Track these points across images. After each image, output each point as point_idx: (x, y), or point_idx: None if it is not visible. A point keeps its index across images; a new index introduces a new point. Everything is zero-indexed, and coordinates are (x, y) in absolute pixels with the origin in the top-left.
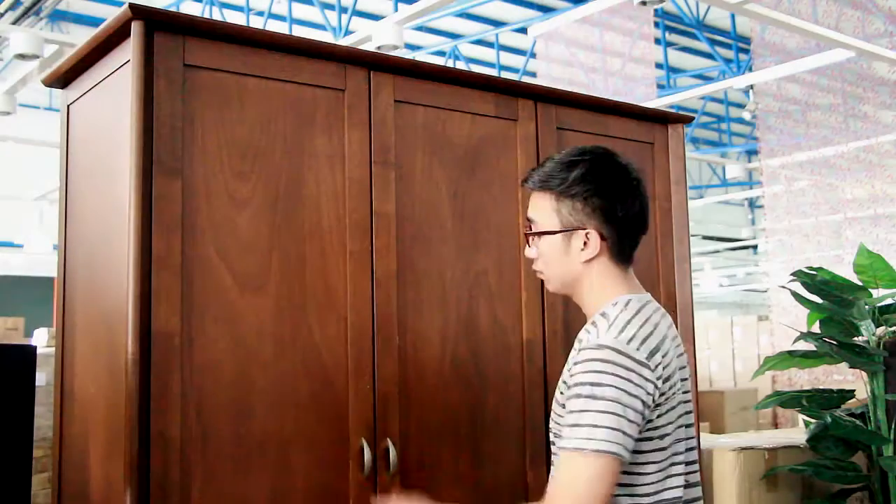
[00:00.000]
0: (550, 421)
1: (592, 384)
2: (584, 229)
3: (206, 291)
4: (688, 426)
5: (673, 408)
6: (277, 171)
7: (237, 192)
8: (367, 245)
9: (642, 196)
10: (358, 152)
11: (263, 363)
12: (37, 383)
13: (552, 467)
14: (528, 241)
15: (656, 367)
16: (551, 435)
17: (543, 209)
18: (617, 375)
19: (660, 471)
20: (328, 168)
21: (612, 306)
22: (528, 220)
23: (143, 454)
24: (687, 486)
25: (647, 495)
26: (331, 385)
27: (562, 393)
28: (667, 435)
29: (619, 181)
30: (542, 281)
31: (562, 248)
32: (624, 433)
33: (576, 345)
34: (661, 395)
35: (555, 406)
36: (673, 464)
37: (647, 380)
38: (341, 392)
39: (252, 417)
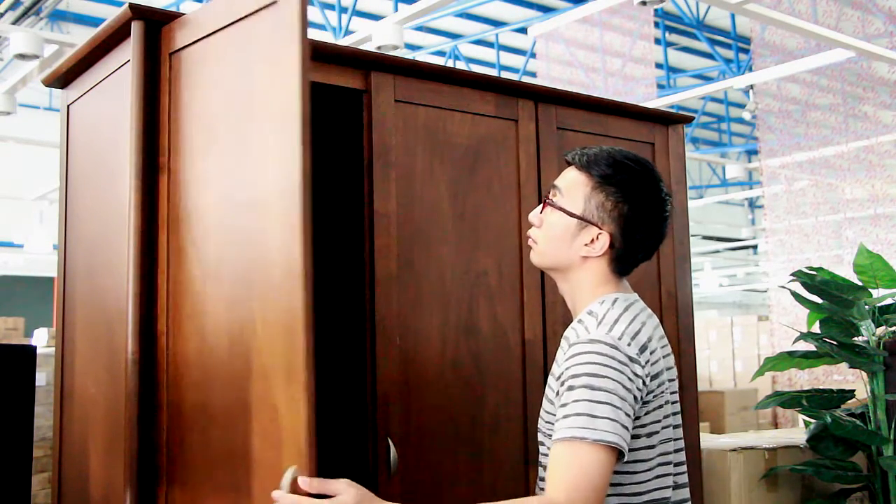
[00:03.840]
0: (539, 420)
1: (589, 375)
2: (600, 229)
3: None
4: (676, 426)
5: (661, 406)
6: None
7: None
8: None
9: (662, 232)
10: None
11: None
12: (37, 383)
13: (540, 467)
14: (542, 206)
15: (645, 363)
16: (540, 435)
17: (575, 188)
18: (614, 368)
19: (648, 470)
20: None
21: (599, 304)
22: (554, 187)
23: (143, 454)
24: (676, 487)
25: (637, 494)
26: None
27: (552, 389)
28: (655, 433)
29: (653, 207)
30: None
31: (570, 233)
32: (622, 425)
33: (563, 344)
34: (650, 392)
35: (544, 403)
36: (661, 464)
37: (637, 376)
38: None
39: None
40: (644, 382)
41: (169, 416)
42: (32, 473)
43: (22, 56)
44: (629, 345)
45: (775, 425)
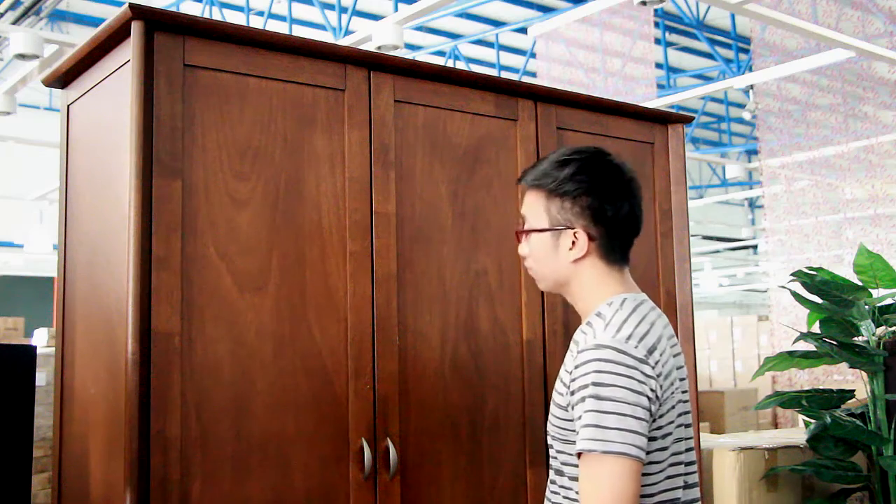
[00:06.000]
0: (548, 423)
1: (595, 384)
2: (573, 229)
3: (205, 291)
4: (686, 426)
5: (672, 407)
6: (277, 171)
7: (237, 192)
8: (367, 245)
9: (634, 197)
10: (358, 152)
11: (263, 363)
12: (37, 383)
13: (550, 470)
14: (518, 239)
15: (655, 364)
16: (549, 438)
17: (534, 207)
18: (619, 374)
19: (661, 471)
20: (328, 168)
21: (607, 306)
22: (521, 216)
23: (143, 454)
24: (686, 486)
25: (650, 496)
26: (331, 385)
27: (560, 394)
28: (668, 434)
29: (610, 181)
30: None
31: (551, 247)
32: (633, 432)
33: (572, 346)
34: (663, 392)
35: (553, 408)
36: (673, 464)
37: (648, 376)
38: (341, 392)
39: (252, 417)
40: (657, 382)
41: (185, 413)
42: (32, 473)
43: (22, 56)
44: (636, 347)
45: (775, 425)
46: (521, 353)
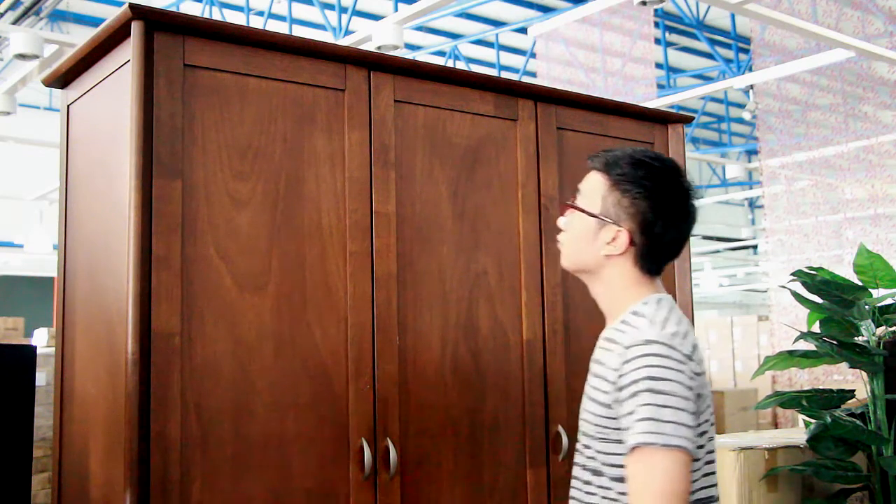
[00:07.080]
0: (584, 424)
1: (651, 378)
2: (618, 226)
3: (206, 291)
4: (712, 424)
5: (708, 405)
6: (277, 170)
7: (237, 193)
8: (367, 245)
9: (686, 227)
10: (358, 152)
11: (263, 363)
12: (37, 383)
13: (576, 466)
14: (563, 211)
15: (698, 362)
16: (585, 439)
17: (593, 189)
18: (672, 368)
19: (699, 469)
20: (328, 168)
21: (643, 305)
22: (577, 191)
23: (143, 454)
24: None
25: (691, 492)
26: (331, 385)
27: (605, 392)
28: (704, 433)
29: (674, 202)
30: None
31: (590, 233)
32: (686, 426)
33: (607, 345)
34: (702, 390)
35: (591, 407)
36: (708, 462)
37: (695, 374)
38: (341, 392)
39: (252, 417)
40: (698, 381)
41: (185, 413)
42: (32, 473)
43: (22, 56)
44: (682, 344)
45: (775, 425)
46: (521, 353)
